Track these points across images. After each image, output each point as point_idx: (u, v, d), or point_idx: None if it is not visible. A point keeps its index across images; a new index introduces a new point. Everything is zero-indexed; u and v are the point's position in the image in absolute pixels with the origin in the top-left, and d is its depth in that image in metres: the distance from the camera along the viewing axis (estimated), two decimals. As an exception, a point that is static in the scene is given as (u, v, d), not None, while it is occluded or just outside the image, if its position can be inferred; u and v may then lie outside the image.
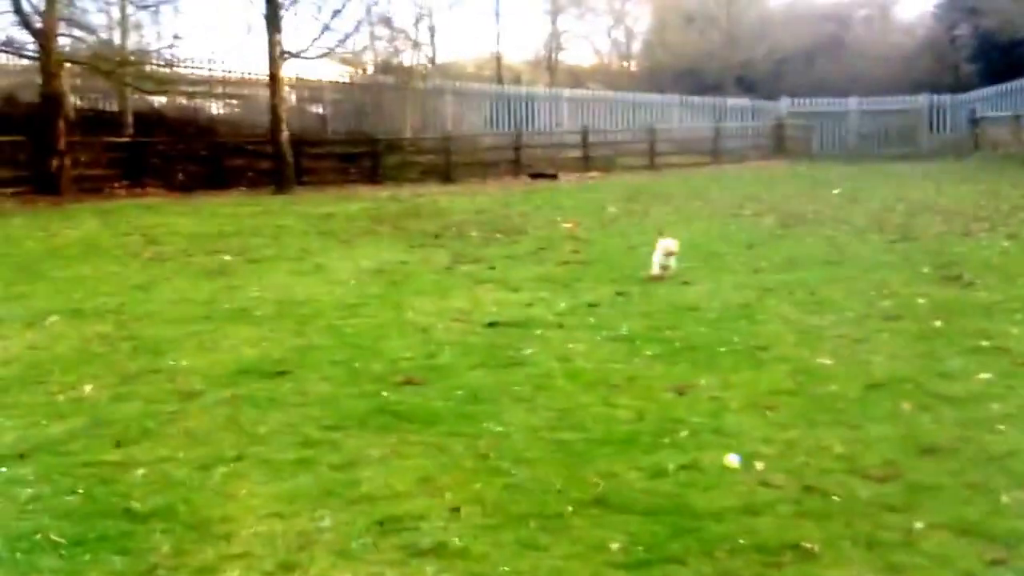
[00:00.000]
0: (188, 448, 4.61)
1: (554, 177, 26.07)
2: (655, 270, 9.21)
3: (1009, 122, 27.55)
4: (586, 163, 28.74)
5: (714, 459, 4.33)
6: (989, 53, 31.68)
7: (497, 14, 50.06)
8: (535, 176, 26.26)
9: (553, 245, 11.88)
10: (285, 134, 22.92)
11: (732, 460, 4.29)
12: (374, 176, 25.42)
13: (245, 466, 4.38)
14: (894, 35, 39.36)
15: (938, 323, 6.82)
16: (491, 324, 7.26)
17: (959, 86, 33.09)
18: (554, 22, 41.34)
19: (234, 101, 28.76)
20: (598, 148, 29.83)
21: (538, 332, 6.98)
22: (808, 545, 3.45)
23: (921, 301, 7.61)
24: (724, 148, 30.59)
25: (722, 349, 6.35)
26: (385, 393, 5.47)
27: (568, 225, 14.08)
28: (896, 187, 18.99)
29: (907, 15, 41.66)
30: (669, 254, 9.23)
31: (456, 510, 3.83)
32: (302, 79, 29.19)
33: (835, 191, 18.49)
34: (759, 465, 4.25)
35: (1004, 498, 3.74)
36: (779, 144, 31.83)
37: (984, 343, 6.19)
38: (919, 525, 3.57)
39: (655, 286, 8.76)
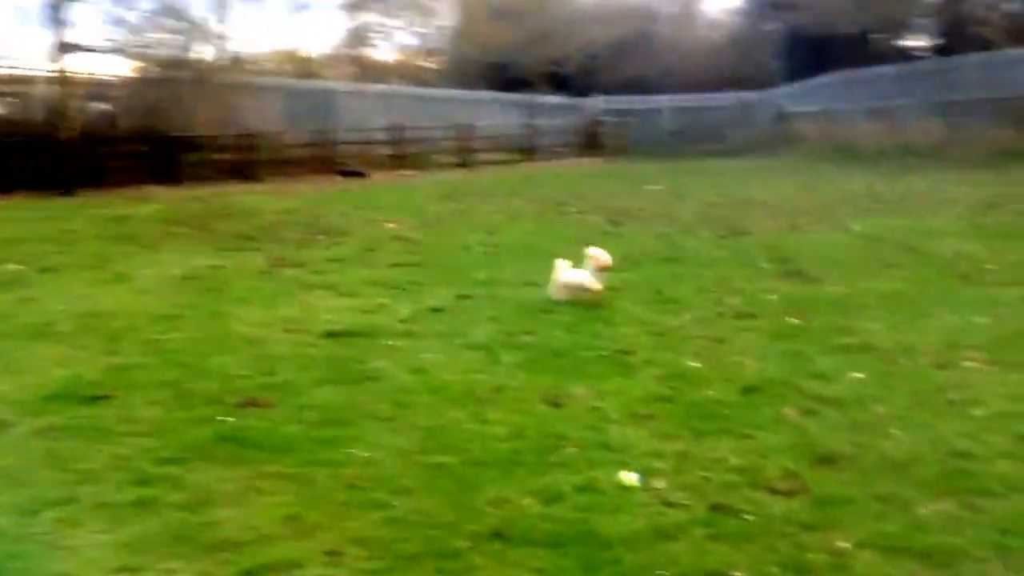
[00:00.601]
0: (4, 490, 3.88)
1: (365, 175, 25.36)
2: (594, 285, 7.54)
3: (816, 117, 28.80)
4: (398, 161, 28.16)
5: (609, 478, 3.97)
6: (796, 49, 33.02)
7: (297, 7, 48.71)
8: (345, 174, 25.46)
9: (380, 246, 11.33)
10: (71, 133, 21.26)
11: (629, 478, 3.95)
12: (171, 176, 23.93)
13: (77, 510, 3.71)
14: (702, 31, 40.67)
15: (795, 320, 6.73)
16: (330, 334, 6.69)
17: (767, 82, 34.38)
18: (357, 16, 40.49)
19: (12, 98, 26.46)
20: (410, 145, 29.27)
21: (385, 342, 6.47)
22: (736, 574, 3.12)
23: (771, 298, 7.54)
24: (539, 145, 30.71)
25: (586, 354, 6.03)
26: (224, 417, 4.85)
27: (392, 225, 13.55)
28: (714, 183, 19.42)
29: (714, 10, 43.12)
30: (602, 269, 7.62)
31: (336, 553, 3.31)
32: (88, 74, 27.22)
33: (656, 187, 18.71)
34: (658, 483, 3.92)
35: (921, 510, 3.54)
36: (593, 141, 32.26)
37: (848, 340, 6.12)
38: (843, 544, 3.32)
39: (499, 288, 8.40)
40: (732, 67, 35.62)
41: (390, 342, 6.45)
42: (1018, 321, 6.37)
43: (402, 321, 7.10)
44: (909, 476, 3.88)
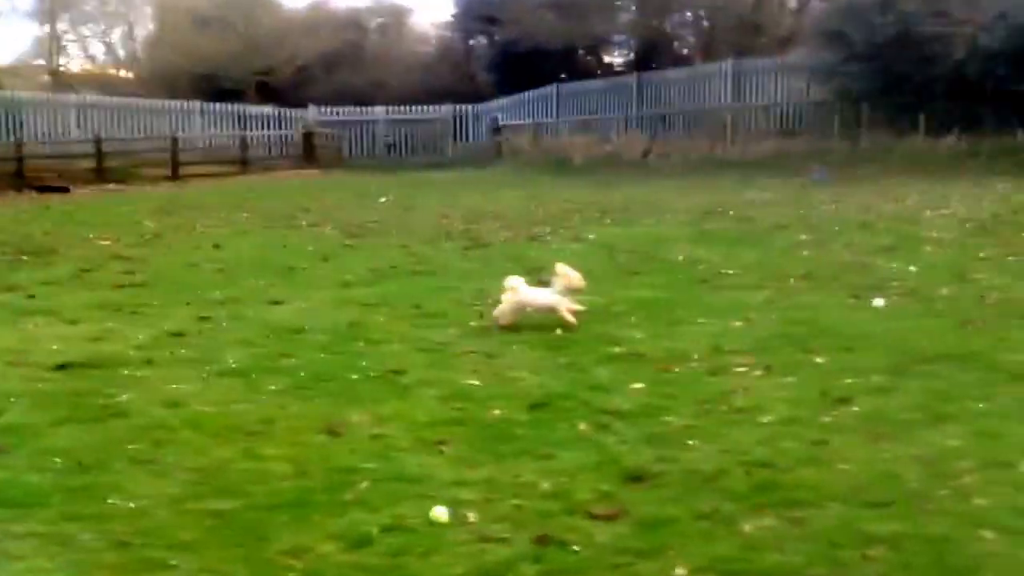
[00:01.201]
0: None
1: (66, 190, 23.38)
2: (565, 308, 6.64)
3: (528, 130, 29.54)
4: (101, 174, 26.17)
5: (416, 514, 3.62)
6: (507, 63, 33.73)
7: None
8: (43, 190, 23.35)
9: (98, 266, 10.31)
10: None
11: (439, 513, 3.61)
12: None
13: None
14: (413, 44, 40.79)
15: (559, 331, 6.61)
16: (61, 366, 5.90)
17: (479, 95, 34.93)
18: (48, 25, 37.46)
19: None
20: (114, 158, 27.30)
21: (125, 372, 5.78)
22: (581, 616, 2.87)
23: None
24: (252, 157, 29.57)
25: (354, 377, 5.62)
26: (-55, 473, 4.06)
27: (106, 242, 12.43)
28: (441, 195, 19.37)
29: (424, 24, 43.29)
30: (573, 290, 6.70)
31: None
32: None
33: (382, 200, 18.40)
34: (470, 515, 3.60)
35: (745, 527, 3.43)
36: (309, 153, 31.47)
37: (617, 350, 6.06)
38: (681, 571, 3.14)
39: (241, 307, 7.80)
40: (446, 80, 35.98)
41: (131, 372, 5.76)
42: (771, 324, 6.57)
43: (139, 348, 6.39)
44: (721, 490, 3.78)
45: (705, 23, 29.57)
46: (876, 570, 3.07)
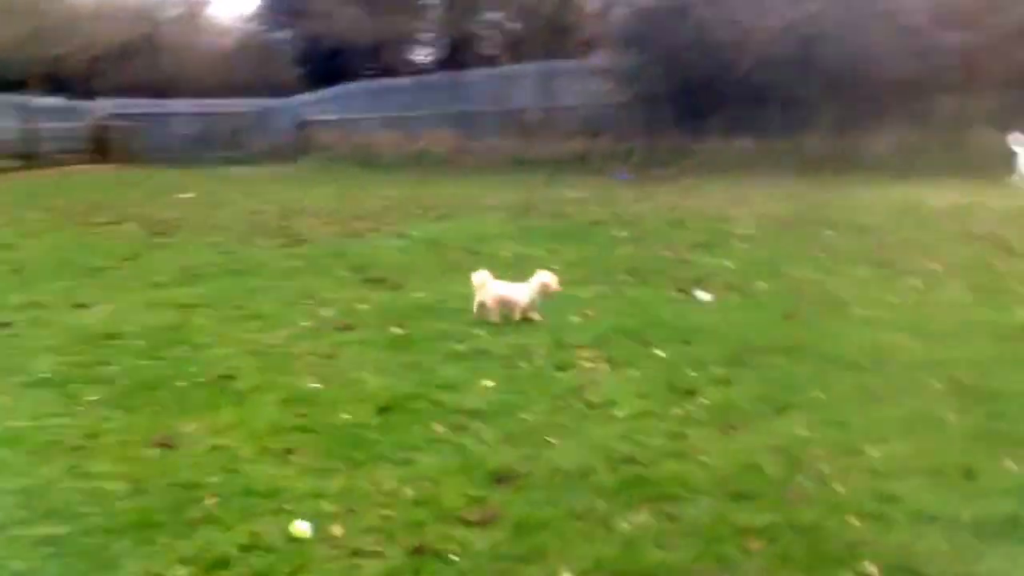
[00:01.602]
0: None
1: None
2: (532, 311, 6.59)
3: (337, 125, 28.93)
4: None
5: (274, 530, 3.39)
6: (314, 57, 32.91)
7: None
8: None
9: None
10: None
11: (301, 528, 3.39)
12: None
13: None
14: (214, 36, 39.27)
15: (398, 330, 6.44)
16: None
17: (285, 89, 33.93)
18: None
19: None
20: None
21: (-81, 385, 5.19)
22: (472, 630, 2.73)
23: (363, 307, 7.21)
24: (39, 151, 27.67)
25: (182, 384, 5.27)
26: None
27: None
28: (248, 190, 18.71)
29: (225, 16, 41.79)
30: (548, 295, 6.58)
31: None
32: None
33: (187, 195, 17.58)
34: (335, 529, 3.40)
35: (623, 525, 3.38)
36: (102, 147, 29.76)
37: (459, 347, 5.94)
38: (567, 575, 3.04)
39: (43, 312, 7.22)
40: (249, 73, 34.85)
41: (-75, 386, 5.18)
42: (607, 318, 6.59)
43: (-73, 358, 5.78)
44: (591, 487, 3.72)
45: (512, 24, 29.85)
46: (758, 564, 3.07)
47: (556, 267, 8.39)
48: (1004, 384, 4.82)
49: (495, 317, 6.58)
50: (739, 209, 12.59)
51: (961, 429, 4.22)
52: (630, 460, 3.98)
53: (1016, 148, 14.32)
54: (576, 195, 15.69)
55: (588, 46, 27.56)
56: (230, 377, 5.37)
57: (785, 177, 17.54)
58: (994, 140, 17.95)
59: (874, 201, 13.00)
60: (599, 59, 25.25)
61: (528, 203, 14.37)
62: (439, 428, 4.45)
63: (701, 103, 21.59)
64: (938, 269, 7.93)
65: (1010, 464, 3.75)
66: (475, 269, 8.34)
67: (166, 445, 4.30)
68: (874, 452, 3.97)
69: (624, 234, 10.63)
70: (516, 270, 8.50)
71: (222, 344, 6.16)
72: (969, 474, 3.66)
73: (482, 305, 6.65)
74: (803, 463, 3.87)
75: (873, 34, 18.77)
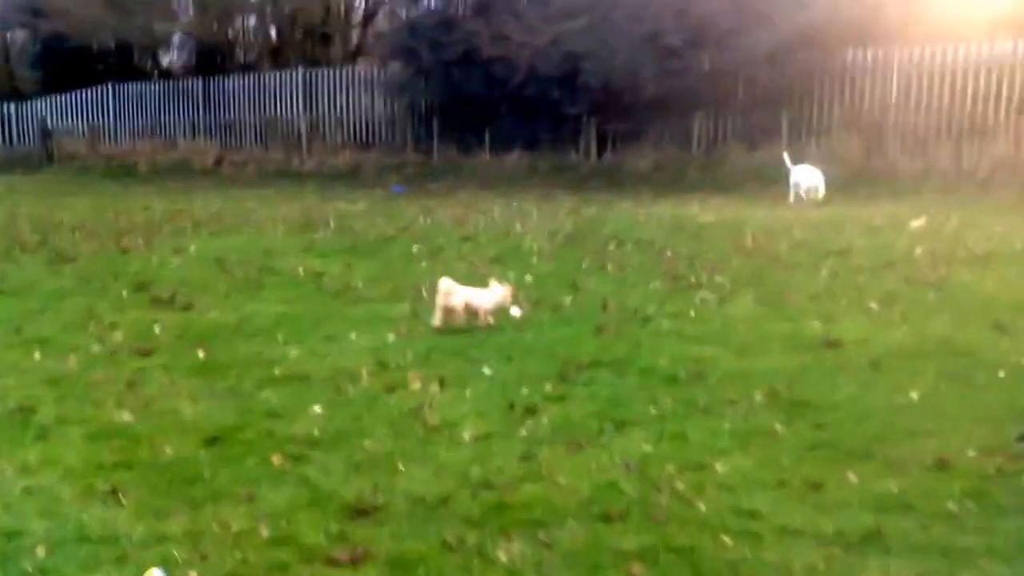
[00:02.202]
0: None
1: None
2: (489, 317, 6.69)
3: (84, 133, 27.11)
4: None
5: (124, 583, 3.06)
6: (53, 59, 30.58)
7: None
8: None
9: None
10: None
11: (156, 578, 3.08)
12: None
13: None
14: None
15: (202, 353, 6.07)
16: None
17: (22, 94, 31.37)
18: None
19: None
20: None
21: None
22: None
23: (156, 330, 6.75)
24: None
25: (-28, 419, 4.72)
26: None
27: None
28: (-7, 202, 17.18)
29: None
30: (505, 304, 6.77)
31: None
32: None
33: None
34: (192, 575, 3.12)
35: (500, 556, 3.29)
36: None
37: (275, 371, 5.67)
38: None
39: None
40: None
41: None
42: (426, 336, 6.48)
43: None
44: (455, 517, 3.61)
45: (272, 30, 29.04)
46: (645, 587, 3.06)
47: (358, 283, 8.26)
48: (816, 395, 5.08)
49: (461, 321, 6.61)
50: (523, 224, 12.77)
51: (793, 441, 4.39)
52: (486, 485, 3.89)
53: (791, 166, 15.32)
54: (357, 208, 15.44)
55: (354, 55, 27.30)
56: (28, 409, 4.90)
57: (556, 192, 18.01)
58: (744, 158, 19.26)
59: (648, 216, 13.53)
60: (369, 69, 25.07)
61: (308, 217, 14.00)
62: (276, 460, 4.20)
63: (471, 117, 21.84)
64: (724, 283, 8.31)
65: (851, 476, 3.92)
66: (270, 286, 8.06)
67: (-33, 491, 3.82)
68: (719, 467, 4.06)
69: (417, 249, 10.52)
70: (312, 286, 8.27)
71: (9, 373, 5.59)
72: (816, 487, 3.81)
73: (450, 310, 6.55)
74: (657, 481, 3.92)
75: (634, 54, 19.61)
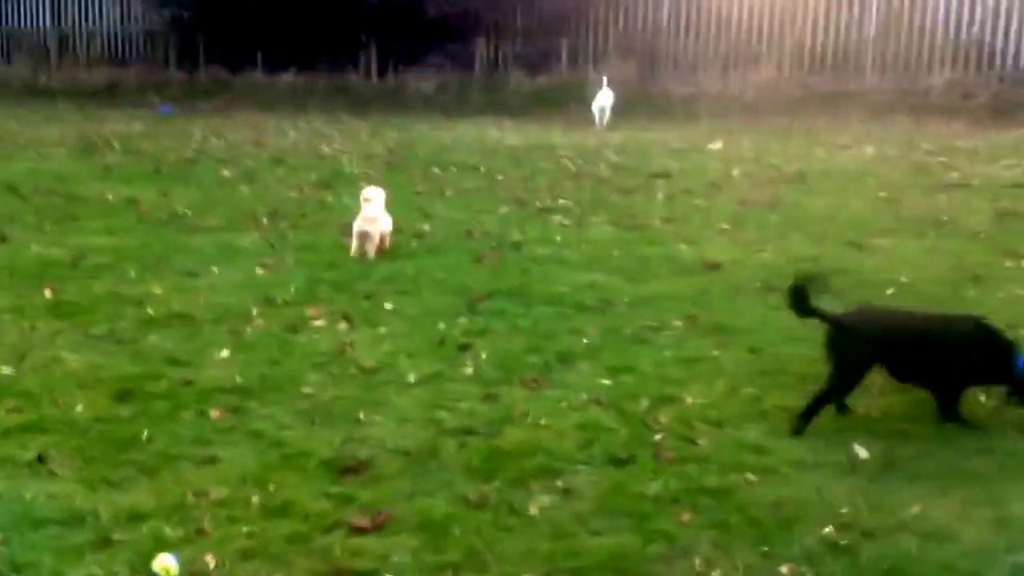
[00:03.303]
0: None
1: None
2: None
3: None
4: None
5: (122, 571, 2.61)
6: None
7: None
8: None
9: None
10: None
11: (167, 563, 2.65)
12: None
13: None
14: None
15: (51, 293, 5.39)
16: None
17: None
18: None
19: None
20: None
21: None
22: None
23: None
24: None
25: None
26: None
27: None
28: None
29: None
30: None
31: None
32: None
33: None
34: (209, 559, 2.72)
35: (531, 510, 3.06)
36: None
37: (149, 311, 5.11)
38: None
39: None
40: None
41: None
42: (295, 269, 6.01)
43: None
44: (456, 470, 3.34)
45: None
46: (705, 538, 2.93)
47: (185, 210, 7.60)
48: (730, 318, 5.09)
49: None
50: (329, 146, 12.18)
51: (739, 367, 4.36)
52: (467, 431, 3.63)
53: (605, 88, 15.37)
54: (134, 129, 14.19)
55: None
56: None
57: (341, 113, 17.33)
58: (525, 82, 19.28)
59: (454, 140, 13.25)
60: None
61: (85, 138, 12.71)
62: (215, 413, 3.74)
63: (242, 33, 20.57)
64: (570, 206, 8.23)
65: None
66: (85, 216, 7.29)
67: None
68: (689, 399, 3.98)
69: (229, 173, 9.79)
70: (133, 215, 7.53)
71: None
72: (793, 415, 3.77)
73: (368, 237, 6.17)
74: (637, 416, 3.78)
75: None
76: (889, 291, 5.59)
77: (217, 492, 3.07)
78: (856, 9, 18.33)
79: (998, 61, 17.11)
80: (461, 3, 19.41)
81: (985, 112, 15.75)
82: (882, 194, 8.72)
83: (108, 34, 22.43)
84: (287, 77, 20.46)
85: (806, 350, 4.49)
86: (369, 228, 6.24)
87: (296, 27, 19.98)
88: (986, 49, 17.28)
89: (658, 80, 19.27)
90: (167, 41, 21.79)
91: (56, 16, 22.56)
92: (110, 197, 8.31)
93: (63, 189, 8.65)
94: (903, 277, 5.87)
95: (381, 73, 20.48)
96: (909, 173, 10.01)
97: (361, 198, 6.38)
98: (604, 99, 15.37)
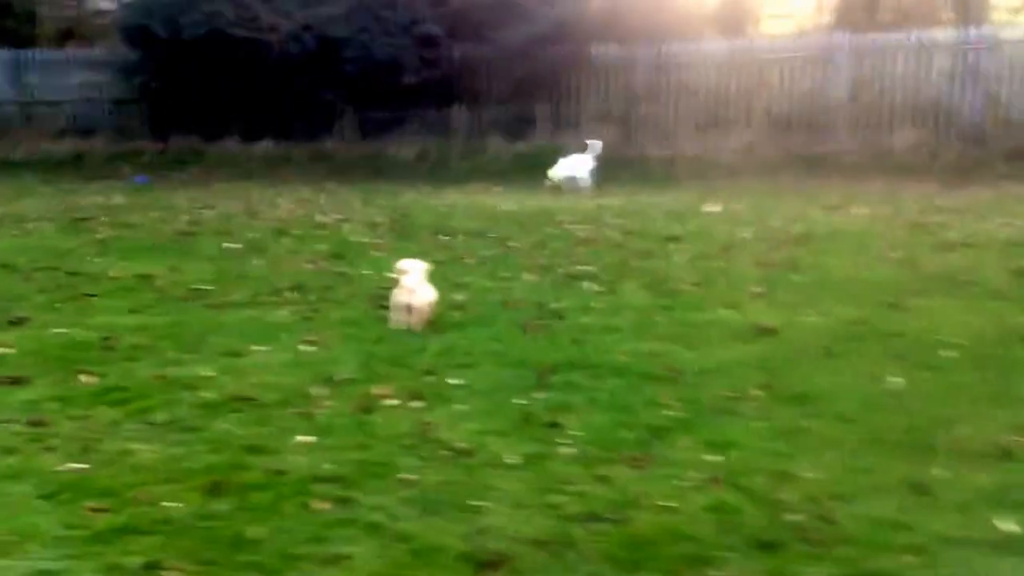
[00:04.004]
0: None
1: None
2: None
3: None
4: None
5: None
6: None
7: None
8: None
9: None
10: None
11: None
12: None
13: None
14: None
15: (89, 378, 5.13)
16: None
17: None
18: None
19: None
20: None
21: None
22: None
23: (9, 351, 5.61)
24: None
25: None
26: None
27: None
28: None
29: None
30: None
31: None
32: None
33: None
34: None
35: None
36: None
37: (209, 396, 4.83)
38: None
39: None
40: None
41: None
42: (348, 346, 5.80)
43: None
44: (597, 559, 3.13)
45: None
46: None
47: (207, 287, 7.37)
48: (805, 386, 4.95)
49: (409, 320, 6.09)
50: (324, 214, 12.02)
51: (837, 437, 4.21)
52: (593, 517, 3.43)
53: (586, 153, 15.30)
54: (115, 202, 13.92)
55: (66, 35, 24.78)
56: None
57: (323, 181, 17.25)
58: (504, 148, 19.31)
59: (450, 206, 13.15)
60: (90, 50, 22.85)
61: (67, 212, 12.42)
62: (317, 505, 3.52)
63: (215, 102, 20.45)
64: (593, 271, 8.11)
65: (937, 471, 3.78)
66: (101, 295, 7.10)
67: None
68: (804, 473, 3.82)
69: (233, 245, 9.56)
70: (152, 291, 7.29)
71: None
72: (917, 487, 3.62)
73: (411, 310, 6.03)
74: (762, 495, 3.61)
75: (392, 42, 19.13)
76: (949, 353, 5.49)
77: None
78: (824, 73, 18.68)
79: (955, 121, 17.51)
80: (440, 70, 19.49)
81: (950, 171, 16.05)
82: (894, 254, 8.72)
83: (72, 106, 22.15)
84: (263, 145, 20.33)
85: (894, 419, 4.38)
86: (411, 300, 6.05)
87: (273, 95, 19.90)
88: (943, 110, 17.71)
89: (636, 144, 19.40)
90: (138, 112, 21.57)
91: (16, 89, 22.27)
92: (116, 273, 8.03)
93: (63, 265, 8.36)
94: (955, 339, 5.78)
95: (359, 141, 20.41)
96: (910, 233, 10.07)
97: (396, 270, 6.19)
98: (578, 166, 15.14)
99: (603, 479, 3.76)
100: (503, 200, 13.86)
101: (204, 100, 20.40)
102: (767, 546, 3.19)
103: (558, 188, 15.01)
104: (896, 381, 5.01)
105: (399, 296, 6.10)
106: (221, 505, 3.49)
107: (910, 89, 17.95)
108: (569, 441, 4.16)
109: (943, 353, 5.53)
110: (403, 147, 19.69)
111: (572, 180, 15.19)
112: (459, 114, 20.19)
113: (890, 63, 18.11)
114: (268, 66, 19.44)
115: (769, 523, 3.36)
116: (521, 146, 19.44)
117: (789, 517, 3.40)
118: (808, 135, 18.39)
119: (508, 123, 19.81)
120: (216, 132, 20.46)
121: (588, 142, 15.63)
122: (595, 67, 20.14)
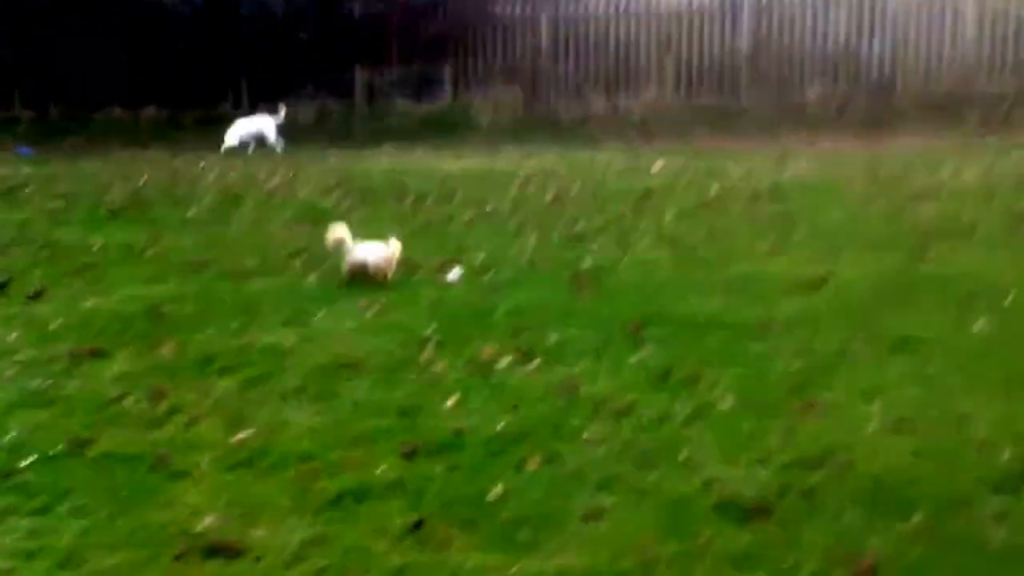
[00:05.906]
0: None
1: None
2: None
3: None
4: None
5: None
6: None
7: None
8: None
9: None
10: None
11: None
12: None
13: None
14: None
15: (165, 352, 4.75)
16: None
17: None
18: None
19: None
20: None
21: None
22: None
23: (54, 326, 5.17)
24: None
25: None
26: None
27: None
28: None
29: None
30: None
31: None
32: None
33: None
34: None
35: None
36: None
37: (323, 360, 4.57)
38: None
39: None
40: None
41: None
42: (406, 307, 5.56)
43: None
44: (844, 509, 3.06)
45: None
46: None
47: (207, 256, 6.93)
48: (904, 331, 4.88)
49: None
50: (269, 179, 11.52)
51: (987, 382, 4.18)
52: (818, 464, 3.34)
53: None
54: (23, 172, 12.94)
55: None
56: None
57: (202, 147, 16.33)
58: (411, 108, 18.88)
59: (396, 169, 12.73)
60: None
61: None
62: (532, 465, 3.33)
63: (94, 66, 19.32)
64: (589, 230, 7.97)
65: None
66: (102, 265, 6.67)
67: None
68: (976, 423, 3.74)
69: (197, 214, 9.06)
70: (155, 263, 6.84)
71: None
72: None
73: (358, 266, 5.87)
74: (972, 442, 3.57)
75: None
76: (1007, 300, 5.51)
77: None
78: (728, 28, 18.81)
79: (863, 74, 17.80)
80: (339, 30, 18.92)
81: (862, 123, 16.39)
82: (875, 206, 8.82)
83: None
84: (148, 111, 19.34)
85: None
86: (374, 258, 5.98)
87: (158, 60, 18.96)
88: (851, 62, 17.99)
89: (544, 104, 19.30)
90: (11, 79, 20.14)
91: None
92: (99, 244, 7.50)
93: (30, 238, 7.76)
94: (1003, 283, 5.80)
95: (253, 103, 19.55)
96: (874, 184, 10.20)
97: (331, 237, 6.03)
98: (258, 125, 15.54)
99: (789, 429, 3.67)
100: (443, 163, 13.51)
101: (82, 64, 19.18)
102: (1002, 488, 3.15)
103: (234, 149, 15.19)
104: (981, 325, 5.02)
105: (370, 256, 5.98)
106: (433, 466, 3.29)
107: (817, 41, 18.15)
108: (721, 395, 4.06)
109: (1003, 298, 5.49)
110: (300, 110, 18.87)
111: (261, 138, 15.58)
112: (361, 75, 19.60)
113: (797, 15, 18.22)
114: (151, 29, 18.46)
115: (990, 466, 3.32)
116: (428, 106, 19.07)
117: (1005, 457, 3.38)
118: (717, 91, 18.61)
119: (414, 83, 19.39)
120: (100, 98, 19.29)
121: (280, 105, 15.95)
122: (499, 25, 19.86)
